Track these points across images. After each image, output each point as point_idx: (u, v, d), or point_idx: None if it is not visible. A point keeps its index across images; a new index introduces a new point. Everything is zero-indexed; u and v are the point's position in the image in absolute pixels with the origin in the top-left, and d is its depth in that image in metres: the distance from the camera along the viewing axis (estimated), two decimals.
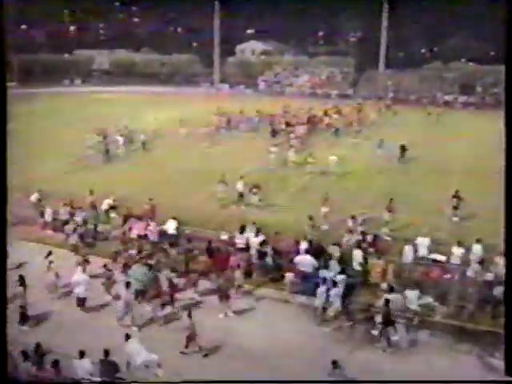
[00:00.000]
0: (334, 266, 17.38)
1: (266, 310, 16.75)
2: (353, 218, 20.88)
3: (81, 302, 16.53)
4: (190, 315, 14.50)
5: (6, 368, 10.73)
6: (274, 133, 41.94)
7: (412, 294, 15.93)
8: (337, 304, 15.91)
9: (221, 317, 16.17)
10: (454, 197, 24.08)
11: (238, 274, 17.45)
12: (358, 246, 18.52)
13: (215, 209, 24.98)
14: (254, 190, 25.99)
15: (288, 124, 43.58)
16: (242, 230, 19.96)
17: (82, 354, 12.55)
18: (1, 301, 10.98)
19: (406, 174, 31.68)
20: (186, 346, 14.30)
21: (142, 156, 36.76)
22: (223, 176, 26.50)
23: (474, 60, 78.30)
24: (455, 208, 23.98)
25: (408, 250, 18.48)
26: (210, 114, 46.88)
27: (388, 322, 14.90)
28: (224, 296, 16.33)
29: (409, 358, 14.38)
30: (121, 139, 37.74)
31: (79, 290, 16.49)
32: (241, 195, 26.04)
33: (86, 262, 17.76)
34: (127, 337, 13.31)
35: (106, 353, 12.70)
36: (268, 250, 18.73)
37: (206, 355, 14.21)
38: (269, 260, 18.58)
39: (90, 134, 37.93)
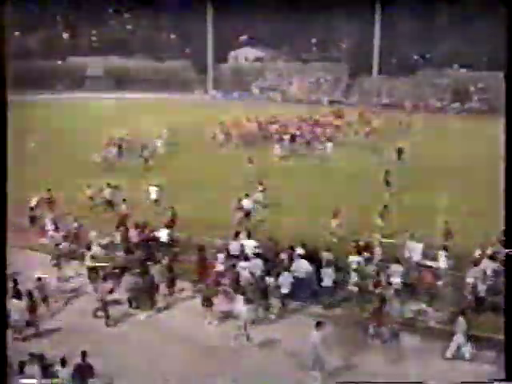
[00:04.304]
0: (327, 272, 17.41)
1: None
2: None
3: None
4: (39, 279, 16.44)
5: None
6: (293, 139, 41.81)
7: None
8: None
9: (205, 323, 16.17)
10: (386, 175, 28.46)
11: (226, 280, 17.42)
12: (357, 252, 18.51)
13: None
14: (260, 188, 26.07)
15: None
16: (236, 236, 19.93)
17: (63, 362, 12.49)
18: (1, 307, 10.90)
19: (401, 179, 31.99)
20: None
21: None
22: (251, 157, 32.44)
23: (466, 66, 78.78)
24: (387, 184, 28.27)
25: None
26: (209, 121, 46.77)
27: (265, 296, 16.38)
28: (207, 302, 16.30)
29: (403, 362, 14.37)
30: (159, 142, 37.96)
31: (95, 249, 18.76)
32: (247, 214, 24.05)
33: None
34: None
35: (84, 355, 12.62)
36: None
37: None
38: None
39: (98, 150, 35.79)
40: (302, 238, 19.51)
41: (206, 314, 16.31)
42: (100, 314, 16.32)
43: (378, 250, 18.94)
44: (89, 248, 19.05)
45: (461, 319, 14.52)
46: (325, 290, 17.36)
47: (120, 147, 37.50)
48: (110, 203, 25.52)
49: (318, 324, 13.55)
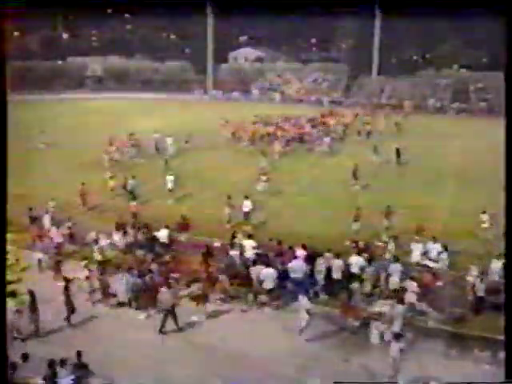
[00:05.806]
0: (338, 264, 17.59)
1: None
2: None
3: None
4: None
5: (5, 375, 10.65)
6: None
7: None
8: None
9: (195, 318, 16.22)
10: (354, 170, 29.01)
11: (225, 280, 17.47)
12: (358, 253, 18.48)
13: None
14: (264, 178, 27.45)
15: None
16: (234, 236, 19.94)
17: (62, 363, 12.43)
18: (1, 307, 10.85)
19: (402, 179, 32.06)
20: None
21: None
22: (264, 150, 34.41)
23: (466, 66, 78.77)
24: (355, 178, 28.93)
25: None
26: (210, 122, 46.68)
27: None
28: (202, 299, 16.42)
29: (403, 362, 14.34)
30: (170, 139, 38.17)
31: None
32: (246, 214, 23.89)
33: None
34: None
35: (79, 354, 12.62)
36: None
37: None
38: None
39: (105, 153, 34.90)
40: (300, 237, 19.57)
41: (202, 310, 16.41)
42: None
43: (390, 246, 19.12)
44: (97, 242, 19.24)
45: (400, 307, 14.89)
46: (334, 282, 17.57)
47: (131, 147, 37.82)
48: (132, 194, 26.28)
49: (397, 336, 13.48)
